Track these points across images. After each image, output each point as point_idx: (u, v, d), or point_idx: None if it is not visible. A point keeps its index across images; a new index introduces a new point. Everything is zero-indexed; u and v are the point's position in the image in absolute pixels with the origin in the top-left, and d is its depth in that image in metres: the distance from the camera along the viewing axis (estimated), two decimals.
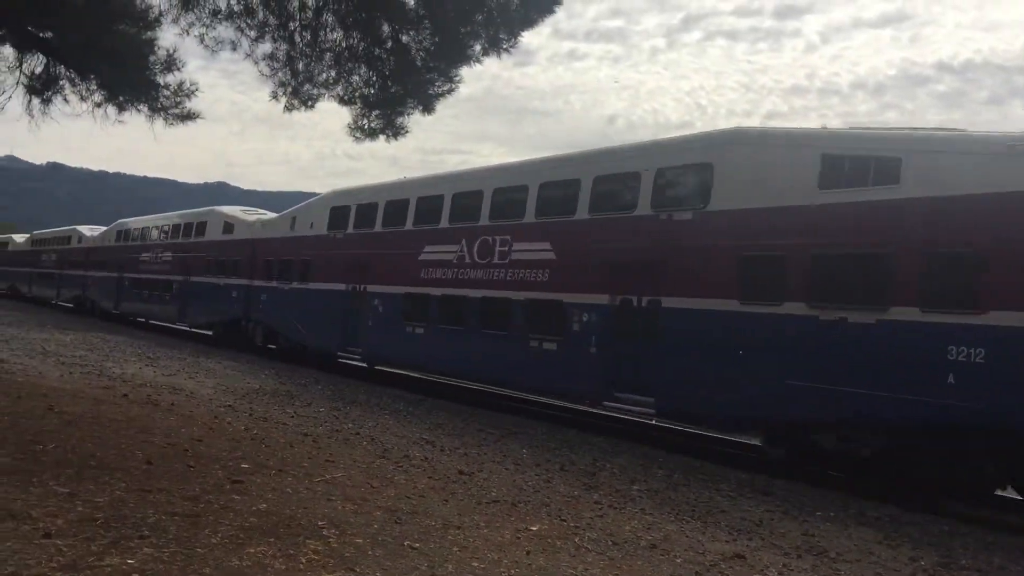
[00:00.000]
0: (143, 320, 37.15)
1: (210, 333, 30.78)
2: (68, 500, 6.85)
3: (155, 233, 36.65)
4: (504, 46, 10.24)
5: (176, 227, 34.32)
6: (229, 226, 29.86)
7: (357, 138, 11.62)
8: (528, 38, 10.53)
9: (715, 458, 13.13)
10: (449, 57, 10.64)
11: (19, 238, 62.70)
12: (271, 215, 29.63)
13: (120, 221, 41.52)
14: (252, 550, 6.07)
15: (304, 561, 5.98)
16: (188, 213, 34.73)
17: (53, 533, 5.89)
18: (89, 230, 46.50)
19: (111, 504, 6.88)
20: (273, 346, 26.34)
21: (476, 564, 6.47)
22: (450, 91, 11.11)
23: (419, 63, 10.76)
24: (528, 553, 6.98)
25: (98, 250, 42.64)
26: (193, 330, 32.41)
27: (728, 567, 7.27)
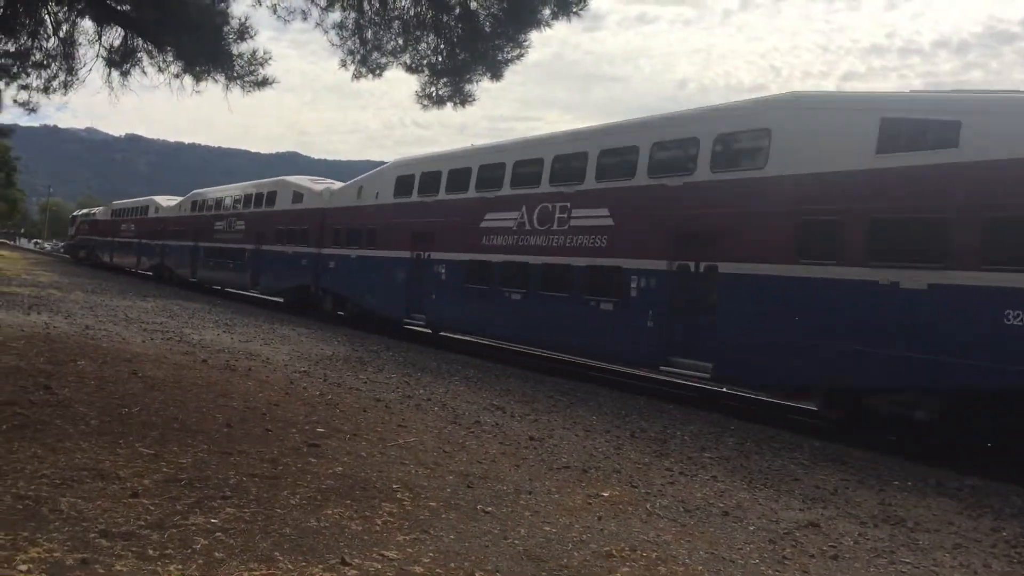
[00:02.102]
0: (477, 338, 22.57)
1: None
2: (153, 461, 7.11)
3: (504, 176, 19.58)
4: (573, 10, 10.09)
5: (614, 152, 16.71)
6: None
7: (425, 106, 11.61)
8: (597, 2, 10.38)
9: (790, 426, 12.95)
10: (517, 22, 10.52)
11: (165, 200, 47.69)
12: None
13: (397, 162, 25.37)
14: (330, 511, 6.22)
15: (380, 523, 6.10)
16: (665, 118, 16.47)
17: (140, 492, 6.12)
18: (311, 181, 31.24)
19: (194, 465, 7.12)
20: None
21: (548, 528, 6.52)
22: (518, 57, 10.99)
23: (487, 29, 10.67)
24: (599, 518, 7.00)
25: (344, 213, 27.04)
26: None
27: (802, 535, 7.18)
